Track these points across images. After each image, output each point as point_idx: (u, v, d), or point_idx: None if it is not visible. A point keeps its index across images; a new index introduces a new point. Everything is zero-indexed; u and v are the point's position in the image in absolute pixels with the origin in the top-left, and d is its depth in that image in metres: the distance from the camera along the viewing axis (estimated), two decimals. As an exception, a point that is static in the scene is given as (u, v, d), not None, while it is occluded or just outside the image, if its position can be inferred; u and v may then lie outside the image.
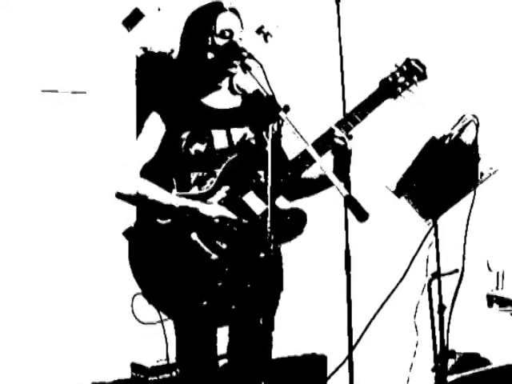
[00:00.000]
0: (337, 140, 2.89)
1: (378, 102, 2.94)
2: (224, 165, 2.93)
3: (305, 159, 2.88)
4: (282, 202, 2.98)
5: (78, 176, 4.01)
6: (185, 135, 2.95)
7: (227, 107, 3.04)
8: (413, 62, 2.98)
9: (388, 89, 2.96)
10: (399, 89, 2.96)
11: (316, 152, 2.72)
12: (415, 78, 2.97)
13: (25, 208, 3.91)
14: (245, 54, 2.88)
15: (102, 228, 4.00)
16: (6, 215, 3.88)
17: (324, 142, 2.89)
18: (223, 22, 2.97)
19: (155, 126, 2.98)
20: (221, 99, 3.05)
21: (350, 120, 2.92)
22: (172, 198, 2.90)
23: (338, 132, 2.89)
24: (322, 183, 3.00)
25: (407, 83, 2.96)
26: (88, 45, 4.02)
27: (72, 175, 4.00)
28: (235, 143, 2.98)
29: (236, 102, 3.06)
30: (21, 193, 3.90)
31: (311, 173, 2.99)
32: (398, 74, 2.96)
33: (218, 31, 2.96)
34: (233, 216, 2.87)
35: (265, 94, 2.71)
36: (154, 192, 2.91)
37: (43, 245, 3.92)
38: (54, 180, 3.97)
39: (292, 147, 2.90)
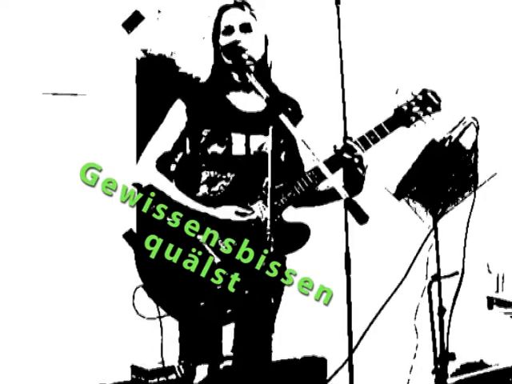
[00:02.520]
0: (350, 157, 2.89)
1: (391, 129, 2.93)
2: (237, 172, 2.95)
3: (317, 175, 2.90)
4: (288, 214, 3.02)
5: (79, 178, 4.01)
6: (205, 132, 2.96)
7: (251, 110, 3.04)
8: (429, 93, 2.96)
9: (402, 117, 2.94)
10: (413, 118, 2.94)
11: (329, 168, 2.76)
12: (429, 109, 2.95)
13: (25, 209, 3.91)
14: (245, 55, 2.88)
15: (101, 231, 4.00)
16: (9, 215, 3.88)
17: (338, 160, 2.90)
18: (226, 19, 2.99)
19: (178, 114, 3.00)
20: (246, 99, 3.04)
21: (362, 143, 2.91)
22: (184, 200, 2.92)
23: (354, 152, 2.90)
24: (330, 195, 3.02)
25: (421, 113, 2.95)
26: (88, 47, 4.02)
27: (73, 177, 4.00)
28: (252, 152, 2.99)
29: (261, 104, 3.04)
30: (22, 194, 3.90)
31: (320, 185, 3.01)
32: (413, 103, 2.95)
33: (222, 30, 2.98)
34: (240, 217, 2.90)
35: (264, 96, 2.71)
36: (168, 189, 2.95)
37: (40, 249, 3.92)
38: (55, 182, 3.97)
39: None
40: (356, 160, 2.88)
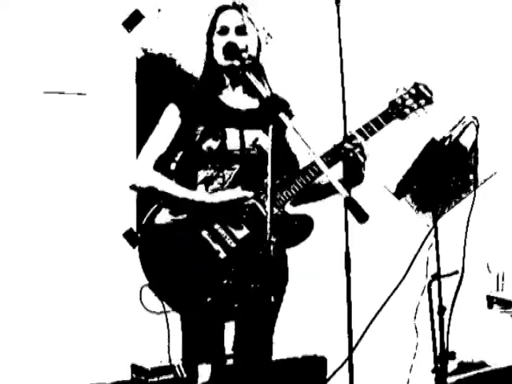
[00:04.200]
0: (351, 147, 2.93)
1: (386, 121, 3.01)
2: (235, 168, 2.96)
3: (314, 169, 2.93)
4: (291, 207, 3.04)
5: (79, 177, 4.01)
6: (199, 130, 2.98)
7: (244, 107, 3.06)
8: (421, 87, 3.05)
9: (396, 110, 3.02)
10: (407, 110, 3.03)
11: (330, 160, 2.84)
12: (422, 101, 3.04)
13: (25, 209, 3.91)
14: (245, 55, 2.89)
15: (101, 230, 4.00)
16: (11, 215, 3.88)
17: (337, 151, 2.95)
18: (223, 19, 3.01)
19: (171, 118, 3.02)
20: (239, 99, 3.07)
21: (360, 135, 2.97)
22: (184, 192, 2.94)
23: (354, 140, 2.95)
24: (328, 190, 3.04)
25: (415, 106, 3.03)
26: (88, 46, 4.02)
27: (72, 176, 4.01)
28: (247, 146, 3.01)
29: (254, 104, 3.08)
30: (21, 194, 3.90)
31: (318, 179, 3.04)
32: (406, 96, 3.03)
33: (217, 29, 3.00)
34: (241, 194, 2.91)
35: (265, 95, 2.71)
36: (166, 186, 2.96)
37: (41, 247, 3.92)
38: (54, 181, 3.97)
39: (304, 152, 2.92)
40: (357, 149, 2.91)
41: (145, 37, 4.17)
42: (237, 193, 2.93)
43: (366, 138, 2.97)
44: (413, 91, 3.03)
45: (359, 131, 2.97)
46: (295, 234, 2.99)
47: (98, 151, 4.04)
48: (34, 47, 3.92)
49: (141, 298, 2.97)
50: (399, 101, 3.02)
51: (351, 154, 2.93)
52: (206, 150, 2.97)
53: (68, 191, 3.98)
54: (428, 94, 3.04)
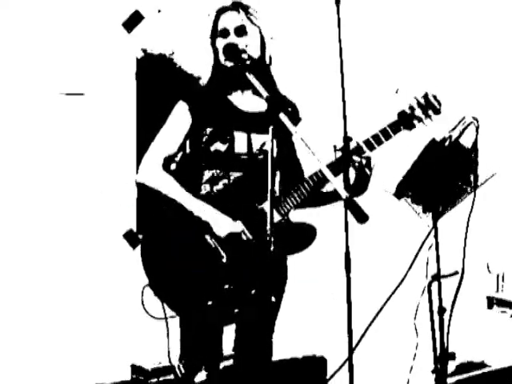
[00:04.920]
0: (359, 160, 2.94)
1: (395, 132, 3.00)
2: (241, 171, 2.96)
3: (320, 177, 2.93)
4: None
5: (79, 177, 4.01)
6: (207, 131, 2.97)
7: (252, 110, 3.05)
8: (430, 97, 3.02)
9: (405, 121, 3.00)
10: (415, 122, 3.01)
11: (335, 170, 2.81)
12: (431, 112, 3.02)
13: (24, 209, 3.91)
14: (244, 55, 2.89)
15: (101, 231, 4.00)
16: (10, 215, 3.88)
17: (345, 162, 2.94)
18: (222, 22, 3.01)
19: (181, 116, 3.01)
20: (248, 101, 3.06)
21: (367, 145, 2.97)
22: (188, 200, 2.93)
23: (362, 152, 2.96)
24: (332, 197, 3.04)
25: (423, 117, 3.01)
26: (88, 46, 4.02)
27: (72, 176, 4.00)
28: (254, 150, 3.00)
29: (262, 105, 3.06)
30: (21, 194, 3.90)
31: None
32: (415, 106, 3.01)
33: (218, 33, 3.00)
34: (240, 230, 2.90)
35: (264, 96, 2.71)
36: (172, 189, 2.95)
37: (41, 248, 3.91)
38: (54, 182, 3.97)
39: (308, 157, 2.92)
40: (364, 161, 2.91)
41: (145, 37, 4.17)
42: (237, 227, 2.92)
43: (372, 149, 2.96)
44: (422, 101, 3.00)
45: (367, 142, 2.96)
46: (297, 242, 2.99)
47: (98, 151, 4.04)
48: (33, 47, 3.92)
49: (142, 300, 2.96)
50: (408, 111, 3.00)
51: (357, 165, 2.93)
52: (214, 153, 2.96)
53: (68, 191, 3.98)
54: (437, 105, 3.01)
